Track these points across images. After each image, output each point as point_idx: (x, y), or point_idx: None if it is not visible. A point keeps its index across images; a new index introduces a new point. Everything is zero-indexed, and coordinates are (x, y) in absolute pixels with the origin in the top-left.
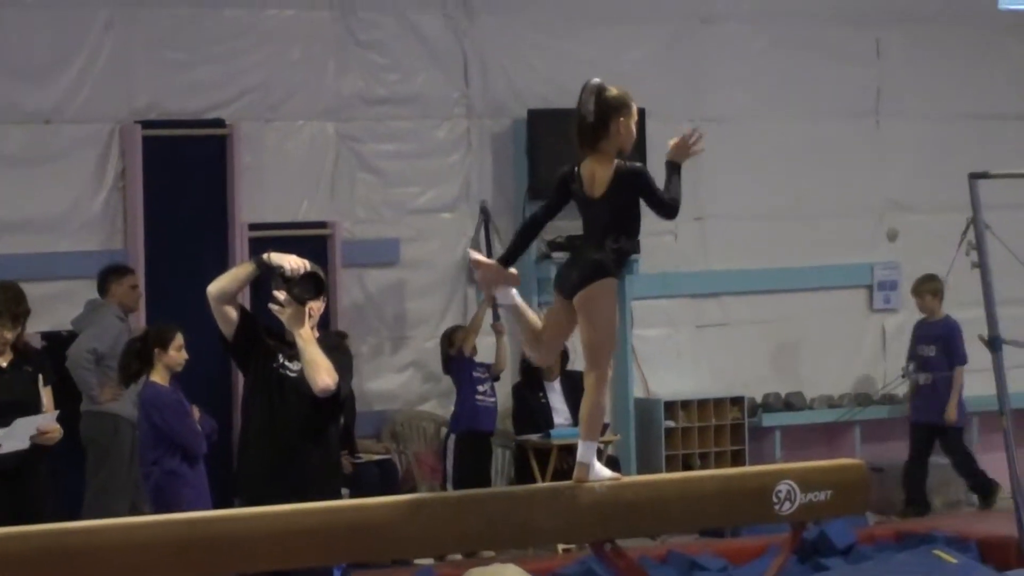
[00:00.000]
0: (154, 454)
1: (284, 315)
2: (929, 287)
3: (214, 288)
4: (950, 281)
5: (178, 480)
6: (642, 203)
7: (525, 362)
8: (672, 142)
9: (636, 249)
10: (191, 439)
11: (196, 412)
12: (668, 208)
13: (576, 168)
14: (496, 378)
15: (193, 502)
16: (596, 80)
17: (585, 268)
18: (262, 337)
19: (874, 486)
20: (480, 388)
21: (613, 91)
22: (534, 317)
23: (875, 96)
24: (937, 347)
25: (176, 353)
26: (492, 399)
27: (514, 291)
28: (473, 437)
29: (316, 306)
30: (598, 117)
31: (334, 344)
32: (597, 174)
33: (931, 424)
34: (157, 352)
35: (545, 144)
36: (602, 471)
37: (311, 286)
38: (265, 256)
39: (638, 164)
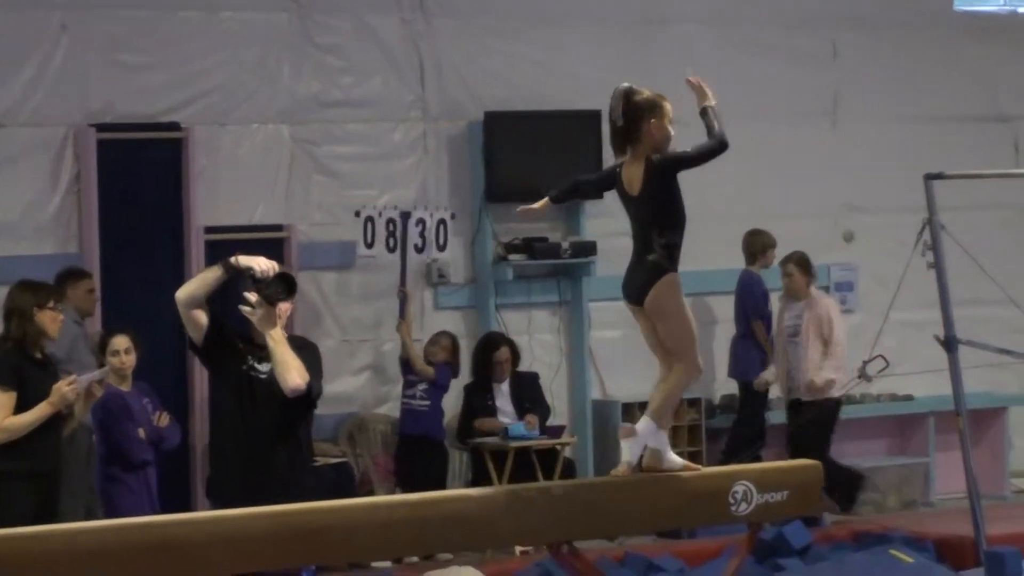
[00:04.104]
0: (102, 458)
1: (255, 316)
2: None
3: (183, 294)
4: (906, 282)
5: (119, 486)
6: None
7: (476, 363)
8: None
9: (681, 238)
10: (128, 445)
11: (165, 418)
12: (714, 149)
13: (619, 167)
14: (433, 382)
15: (133, 508)
16: (625, 84)
17: (643, 272)
18: (232, 339)
19: None
20: (408, 391)
21: (644, 93)
22: None
23: (832, 98)
24: None
25: (113, 358)
26: (424, 403)
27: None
28: (404, 440)
29: (285, 307)
30: (627, 120)
31: (302, 344)
32: (633, 173)
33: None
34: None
35: (502, 146)
36: (674, 459)
37: (283, 287)
38: (233, 259)
39: (664, 154)
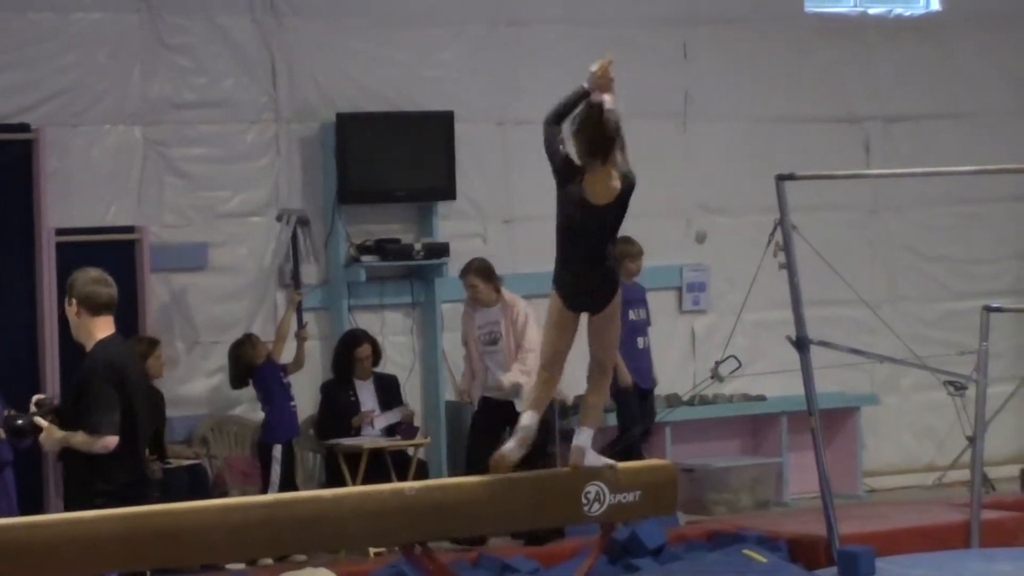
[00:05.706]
0: None
1: (46, 443)
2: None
3: None
4: (758, 282)
5: None
6: None
7: (338, 360)
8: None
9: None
10: None
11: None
12: None
13: (581, 174)
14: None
15: None
16: (606, 96)
17: (603, 281)
18: None
19: (684, 486)
20: (290, 393)
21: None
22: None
23: (683, 98)
24: (644, 310)
25: None
26: (295, 403)
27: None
28: (290, 445)
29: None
30: (618, 131)
31: (84, 382)
32: (602, 182)
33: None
34: None
35: (354, 148)
36: (597, 458)
37: (43, 413)
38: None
39: (630, 177)
